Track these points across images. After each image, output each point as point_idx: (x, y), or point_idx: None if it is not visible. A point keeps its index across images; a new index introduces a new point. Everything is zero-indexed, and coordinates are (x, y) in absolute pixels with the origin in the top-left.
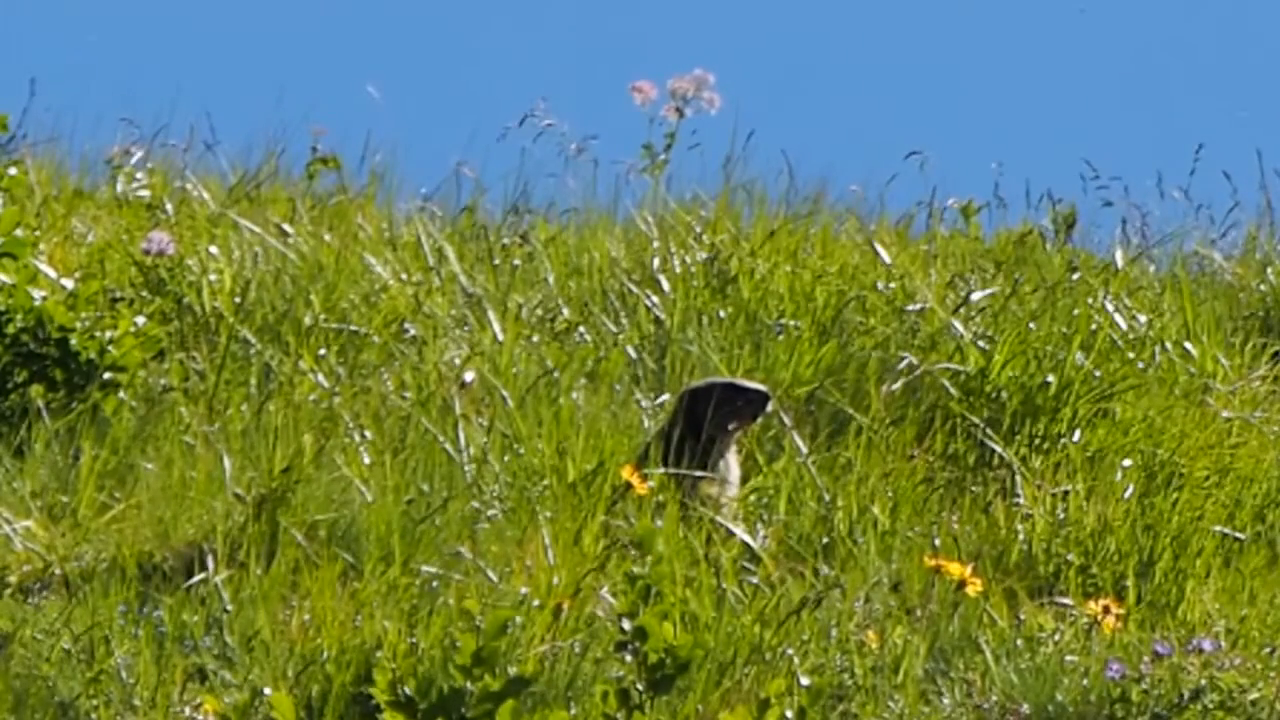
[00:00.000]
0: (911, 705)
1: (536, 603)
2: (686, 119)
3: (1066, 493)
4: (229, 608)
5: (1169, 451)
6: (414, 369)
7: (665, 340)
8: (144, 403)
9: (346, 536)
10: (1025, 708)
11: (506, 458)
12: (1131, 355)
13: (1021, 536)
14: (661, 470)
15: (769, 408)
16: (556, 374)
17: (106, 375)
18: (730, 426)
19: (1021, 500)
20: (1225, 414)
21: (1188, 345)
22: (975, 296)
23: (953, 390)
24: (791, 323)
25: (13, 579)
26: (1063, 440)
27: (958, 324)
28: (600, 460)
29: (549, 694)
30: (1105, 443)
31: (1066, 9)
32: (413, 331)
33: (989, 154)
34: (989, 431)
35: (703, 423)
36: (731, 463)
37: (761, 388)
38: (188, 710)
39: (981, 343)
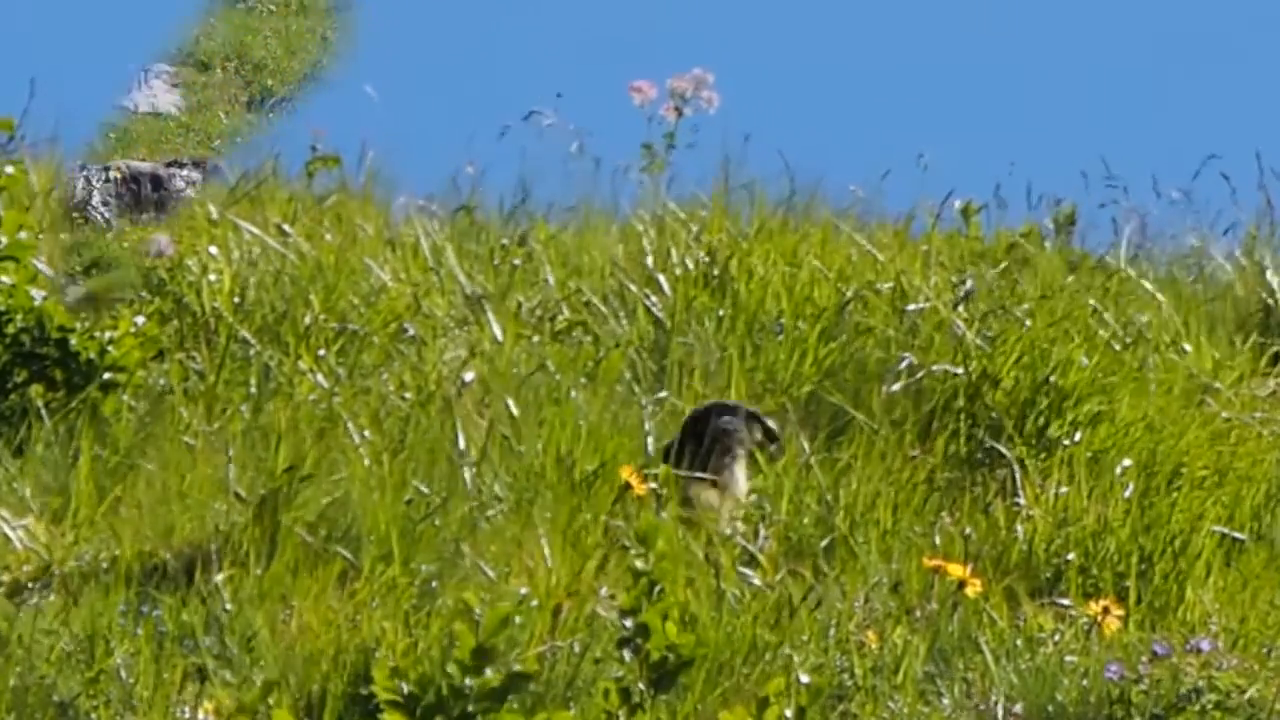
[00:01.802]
0: (911, 705)
1: (536, 602)
2: (686, 118)
3: (1066, 493)
4: (229, 608)
5: (1169, 451)
6: (414, 369)
7: (665, 340)
8: (144, 403)
9: (346, 536)
10: (1025, 708)
11: (506, 458)
12: (1131, 356)
13: (1021, 536)
14: (660, 470)
15: (771, 423)
16: (556, 374)
17: (106, 375)
18: (733, 453)
19: (1021, 500)
20: (1225, 414)
21: (1187, 346)
22: (974, 296)
23: (953, 390)
24: (791, 322)
25: (13, 579)
26: (1063, 440)
27: (958, 324)
28: (601, 460)
29: (548, 693)
30: (1105, 443)
31: (1067, 9)
32: (412, 332)
33: (989, 154)
34: (990, 431)
35: (704, 450)
36: (739, 475)
37: (755, 410)
38: (187, 710)
39: (982, 343)
